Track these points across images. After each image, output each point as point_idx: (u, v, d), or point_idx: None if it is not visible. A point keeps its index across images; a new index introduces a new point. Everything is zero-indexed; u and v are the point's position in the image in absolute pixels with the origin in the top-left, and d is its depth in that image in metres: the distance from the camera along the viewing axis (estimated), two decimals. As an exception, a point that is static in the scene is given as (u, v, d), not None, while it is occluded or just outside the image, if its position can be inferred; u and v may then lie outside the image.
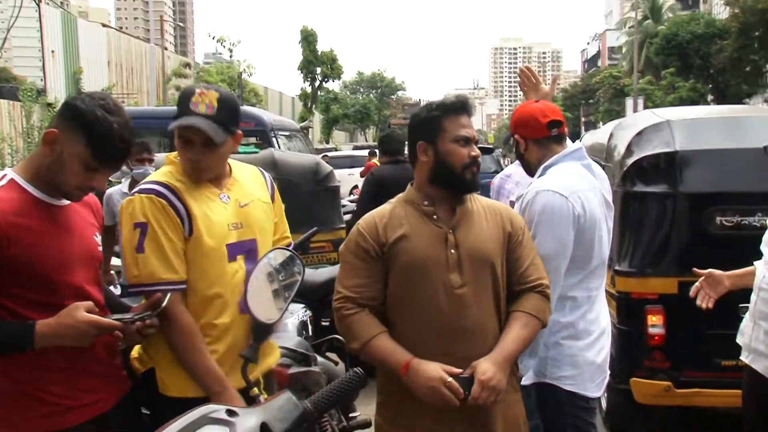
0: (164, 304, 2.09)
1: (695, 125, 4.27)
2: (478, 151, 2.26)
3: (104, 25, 36.56)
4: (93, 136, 1.95)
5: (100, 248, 2.20)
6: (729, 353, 3.25)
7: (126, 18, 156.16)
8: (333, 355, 4.81)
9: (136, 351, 2.34)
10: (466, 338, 2.19)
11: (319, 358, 3.67)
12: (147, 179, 2.33)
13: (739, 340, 2.83)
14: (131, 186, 5.05)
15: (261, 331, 1.79)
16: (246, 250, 2.29)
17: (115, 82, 30.35)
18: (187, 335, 2.16)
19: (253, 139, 12.86)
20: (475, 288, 2.20)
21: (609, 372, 2.74)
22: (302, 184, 6.93)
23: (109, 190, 5.19)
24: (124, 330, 2.06)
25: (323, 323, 5.48)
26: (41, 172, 2.02)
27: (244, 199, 2.35)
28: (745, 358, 2.76)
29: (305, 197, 6.82)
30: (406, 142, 2.58)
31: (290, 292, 1.77)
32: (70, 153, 1.97)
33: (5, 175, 2.03)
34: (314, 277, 5.19)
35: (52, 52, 26.80)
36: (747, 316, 2.78)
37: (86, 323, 1.94)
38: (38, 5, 24.21)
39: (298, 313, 3.63)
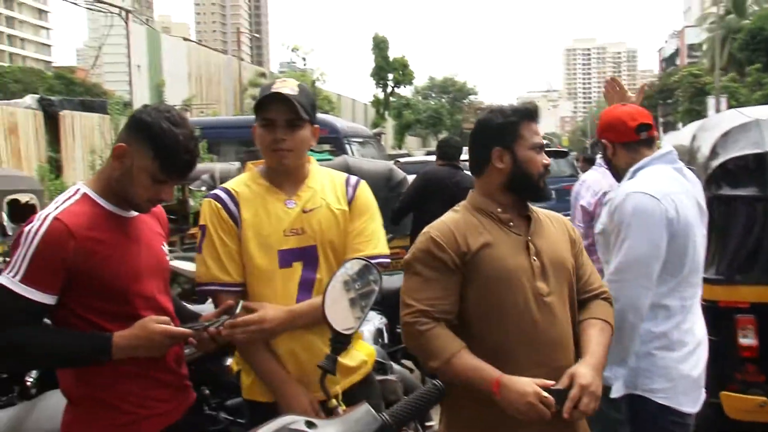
0: (237, 310, 2.13)
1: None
2: (548, 159, 2.23)
3: (185, 39, 37.74)
4: (160, 149, 2.00)
5: (168, 258, 2.27)
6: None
7: (205, 31, 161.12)
8: (408, 362, 4.80)
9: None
10: (557, 348, 2.14)
11: (395, 366, 3.65)
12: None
13: None
14: None
15: (339, 342, 1.77)
16: (304, 256, 2.30)
17: (195, 93, 31.25)
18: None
19: (327, 146, 13.08)
20: (559, 296, 2.16)
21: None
22: (376, 190, 6.86)
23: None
24: (197, 337, 2.11)
25: (398, 330, 5.47)
26: (111, 186, 2.07)
27: (310, 205, 2.35)
28: None
29: (379, 203, 6.75)
30: (464, 148, 2.51)
31: (367, 302, 1.74)
32: (139, 166, 2.02)
33: (78, 189, 2.09)
34: (389, 283, 5.13)
35: (138, 66, 27.81)
36: None
37: (160, 334, 2.00)
38: (126, 23, 25.19)
39: (374, 320, 3.62)
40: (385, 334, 3.65)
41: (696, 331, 2.53)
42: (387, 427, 1.70)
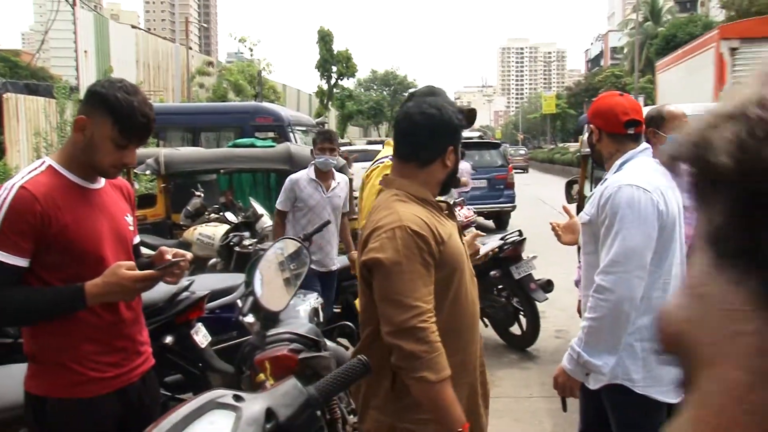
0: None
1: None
2: None
3: (133, 27, 36.55)
4: (118, 115, 2.06)
5: (131, 228, 2.31)
6: None
7: (154, 20, 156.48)
8: (344, 341, 4.79)
9: None
10: (478, 320, 2.21)
11: (330, 344, 3.63)
12: None
13: None
14: (316, 173, 5.12)
15: (268, 319, 1.73)
16: None
17: (143, 80, 30.36)
18: None
19: (271, 134, 12.88)
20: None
21: None
22: (317, 176, 6.91)
23: (294, 176, 5.20)
24: (165, 274, 2.17)
25: (335, 309, 5.45)
26: (76, 157, 2.11)
27: None
28: None
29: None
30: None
31: (299, 281, 1.71)
32: (100, 134, 2.07)
33: (43, 162, 2.13)
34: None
35: (85, 52, 26.83)
36: None
37: (129, 279, 2.04)
38: (73, 8, 24.25)
39: (310, 299, 3.56)
40: (321, 313, 3.60)
41: None
42: (313, 399, 1.67)
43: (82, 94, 21.87)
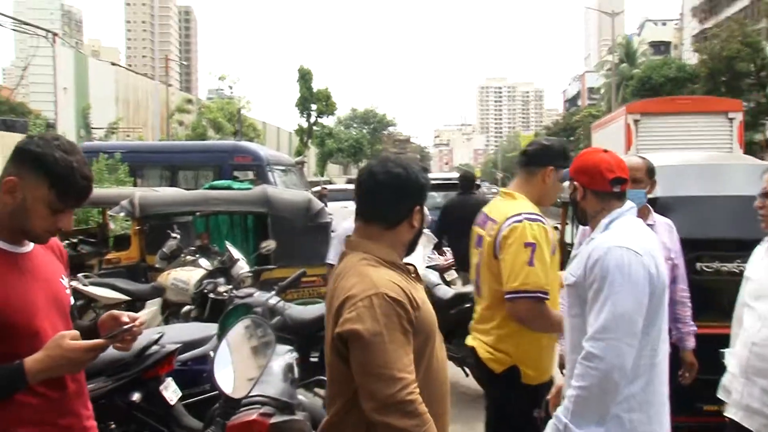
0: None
1: (675, 171, 4.16)
2: None
3: (113, 64, 36.56)
4: (55, 178, 1.87)
5: (68, 291, 2.09)
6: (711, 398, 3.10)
7: (135, 56, 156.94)
8: (322, 391, 4.64)
9: (488, 353, 2.95)
10: (449, 392, 2.12)
11: (305, 400, 3.49)
12: (525, 210, 2.91)
13: (722, 396, 2.67)
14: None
15: (229, 407, 1.60)
16: None
17: (122, 116, 30.29)
18: (556, 323, 2.78)
19: (251, 173, 12.81)
20: None
21: None
22: (295, 219, 6.85)
23: (341, 231, 4.96)
24: (115, 341, 1.96)
25: (312, 359, 5.30)
26: (3, 221, 1.90)
27: None
28: (733, 415, 2.57)
29: (298, 233, 6.73)
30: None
31: (264, 361, 1.59)
32: (34, 197, 1.88)
33: None
34: (303, 314, 5.01)
35: (65, 88, 26.76)
36: (733, 370, 2.60)
37: (75, 350, 1.84)
38: (53, 45, 24.21)
39: (284, 355, 3.43)
40: (296, 369, 3.46)
41: (662, 389, 2.34)
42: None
43: (59, 130, 21.71)
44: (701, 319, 3.44)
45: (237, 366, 1.51)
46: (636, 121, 12.50)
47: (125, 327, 1.96)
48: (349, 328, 1.87)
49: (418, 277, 2.15)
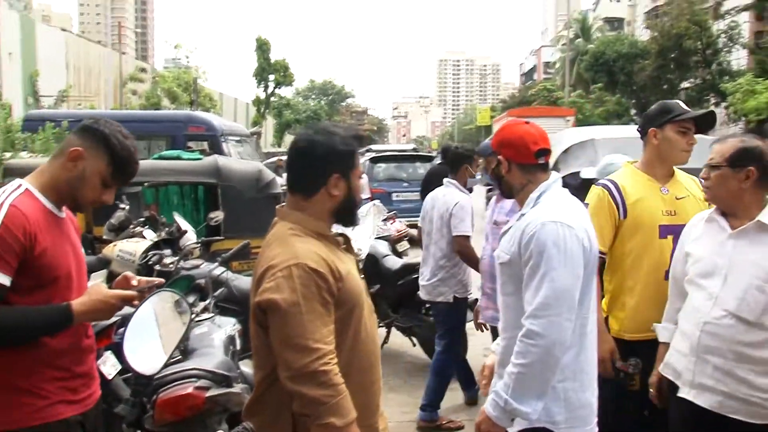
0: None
1: (618, 144, 4.18)
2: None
3: (63, 30, 35.24)
4: (116, 157, 2.15)
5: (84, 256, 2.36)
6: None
7: (89, 23, 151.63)
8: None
9: None
10: (379, 362, 2.12)
11: (249, 371, 3.45)
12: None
13: (669, 375, 2.66)
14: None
15: (140, 384, 1.52)
16: (676, 232, 2.83)
17: (73, 84, 29.28)
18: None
19: (204, 144, 12.53)
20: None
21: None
22: (245, 190, 6.73)
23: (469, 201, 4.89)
24: (141, 298, 2.25)
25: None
26: (57, 185, 2.14)
27: (680, 194, 3.01)
28: (686, 394, 2.56)
29: (248, 203, 6.61)
30: (320, 165, 2.17)
31: (176, 339, 1.51)
32: (93, 170, 2.14)
33: (20, 185, 2.13)
34: (245, 284, 4.94)
35: (9, 53, 25.71)
36: (683, 350, 2.59)
37: (114, 297, 2.13)
38: (-4, 8, 23.21)
39: (225, 327, 3.36)
40: (238, 341, 3.40)
41: (592, 358, 2.35)
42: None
43: (4, 96, 20.86)
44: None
45: (149, 342, 1.43)
46: None
47: (151, 283, 2.26)
48: (266, 298, 1.87)
49: (349, 248, 2.13)
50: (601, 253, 2.83)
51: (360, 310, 2.00)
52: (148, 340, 1.41)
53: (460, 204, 4.70)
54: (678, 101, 3.17)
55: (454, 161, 5.02)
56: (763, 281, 2.39)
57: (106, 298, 2.11)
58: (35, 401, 2.06)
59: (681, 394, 2.59)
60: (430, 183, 9.38)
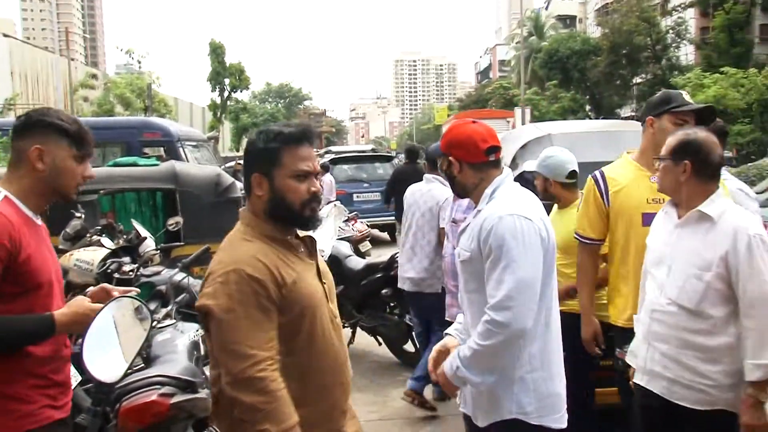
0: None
1: (574, 139, 4.26)
2: (318, 186, 2.03)
3: (5, 35, 34.25)
4: (71, 133, 2.16)
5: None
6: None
7: (33, 28, 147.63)
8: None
9: None
10: (346, 365, 2.09)
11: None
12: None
13: (630, 361, 2.74)
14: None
15: (101, 392, 1.48)
16: None
17: (20, 92, 28.51)
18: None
19: (161, 150, 12.35)
20: (339, 316, 2.15)
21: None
22: (203, 195, 6.65)
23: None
24: None
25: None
26: (36, 190, 2.15)
27: None
28: (639, 380, 2.65)
29: (207, 208, 6.53)
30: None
31: (137, 347, 1.47)
32: (60, 156, 2.15)
33: None
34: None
35: (-49, 62, 24.91)
36: (638, 336, 2.67)
37: (95, 310, 2.12)
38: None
39: (189, 332, 3.32)
40: (201, 346, 3.36)
41: (558, 347, 2.39)
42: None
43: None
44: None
45: (109, 350, 1.40)
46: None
47: (132, 291, 2.25)
48: (202, 303, 1.88)
49: (311, 252, 2.11)
50: (592, 240, 3.20)
51: (313, 313, 1.97)
52: (108, 348, 1.36)
53: (450, 198, 4.77)
54: (681, 92, 3.20)
55: (431, 159, 5.10)
56: (699, 269, 2.46)
57: (87, 310, 2.13)
58: (21, 407, 2.06)
59: (636, 379, 2.68)
60: (396, 182, 9.98)
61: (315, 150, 2.12)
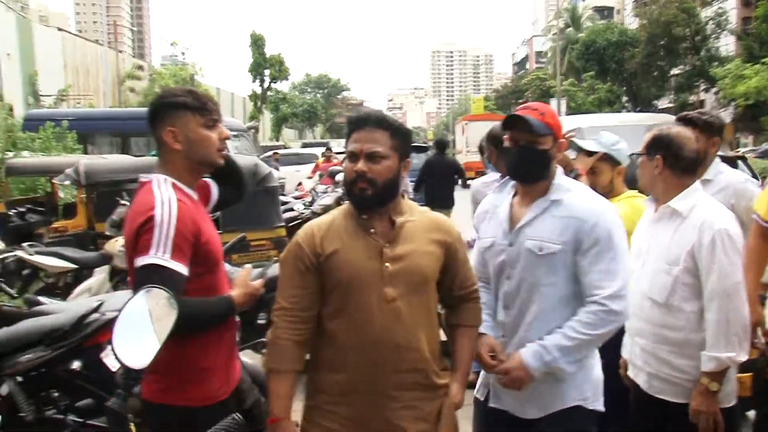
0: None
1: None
2: (363, 167, 2.06)
3: (60, 29, 35.04)
4: (192, 105, 2.16)
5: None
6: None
7: (85, 22, 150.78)
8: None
9: None
10: (400, 350, 2.08)
11: (248, 361, 3.46)
12: None
13: (624, 354, 2.74)
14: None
15: (130, 378, 1.51)
16: None
17: (72, 83, 29.15)
18: None
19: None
20: (409, 302, 2.08)
21: None
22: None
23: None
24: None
25: (259, 321, 5.25)
26: (188, 167, 2.20)
27: None
28: (629, 372, 2.68)
29: (246, 197, 6.58)
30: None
31: (165, 333, 1.50)
32: (191, 129, 2.16)
33: (165, 179, 2.16)
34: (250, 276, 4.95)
35: (8, 54, 25.55)
36: (628, 331, 2.66)
37: (259, 289, 2.28)
38: (-6, 9, 23.08)
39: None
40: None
41: None
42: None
43: (5, 96, 20.62)
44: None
45: (141, 336, 1.43)
46: (466, 125, 27.15)
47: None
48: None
49: (389, 237, 2.23)
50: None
51: (353, 287, 2.10)
52: (141, 335, 1.39)
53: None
54: None
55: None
56: (668, 264, 2.45)
57: (253, 290, 2.26)
58: (211, 383, 2.19)
59: (628, 372, 2.69)
60: (426, 172, 9.92)
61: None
